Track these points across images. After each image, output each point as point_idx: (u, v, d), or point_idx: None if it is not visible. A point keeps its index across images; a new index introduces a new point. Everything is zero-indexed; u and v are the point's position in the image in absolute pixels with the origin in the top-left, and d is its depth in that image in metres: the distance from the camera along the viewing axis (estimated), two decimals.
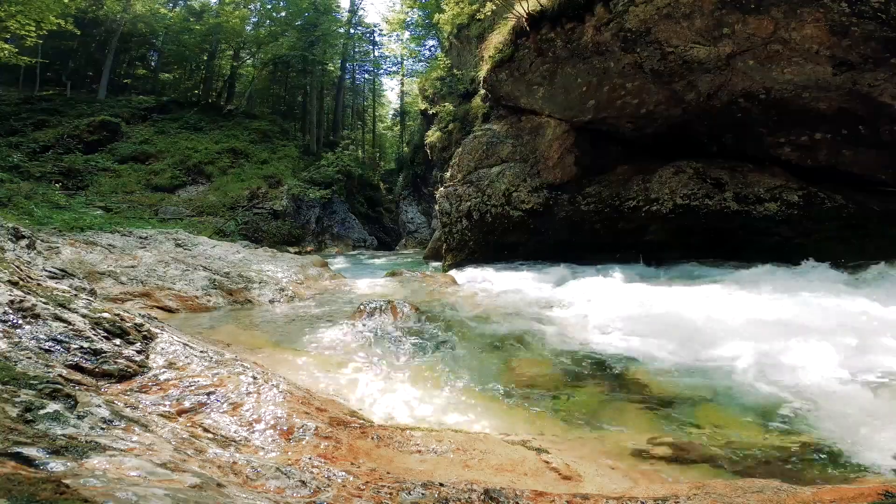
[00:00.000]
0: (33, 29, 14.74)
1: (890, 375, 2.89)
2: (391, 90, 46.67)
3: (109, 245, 7.06)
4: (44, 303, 2.07)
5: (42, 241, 6.00)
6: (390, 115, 42.26)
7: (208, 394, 1.96)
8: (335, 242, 21.48)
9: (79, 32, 19.10)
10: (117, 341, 2.11)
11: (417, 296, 6.39)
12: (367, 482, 1.46)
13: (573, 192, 8.96)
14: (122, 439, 1.32)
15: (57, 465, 1.03)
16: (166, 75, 29.88)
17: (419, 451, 1.90)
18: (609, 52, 7.35)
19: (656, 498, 1.55)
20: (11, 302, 1.94)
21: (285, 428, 1.84)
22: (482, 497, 1.41)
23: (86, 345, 1.95)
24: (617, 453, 2.28)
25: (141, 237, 8.18)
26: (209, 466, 1.31)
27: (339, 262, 14.18)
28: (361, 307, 4.80)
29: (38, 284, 2.46)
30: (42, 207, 12.35)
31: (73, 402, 1.41)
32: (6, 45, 14.55)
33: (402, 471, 1.67)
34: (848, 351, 3.19)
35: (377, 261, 15.81)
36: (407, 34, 30.33)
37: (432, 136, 17.59)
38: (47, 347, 1.81)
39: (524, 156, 9.72)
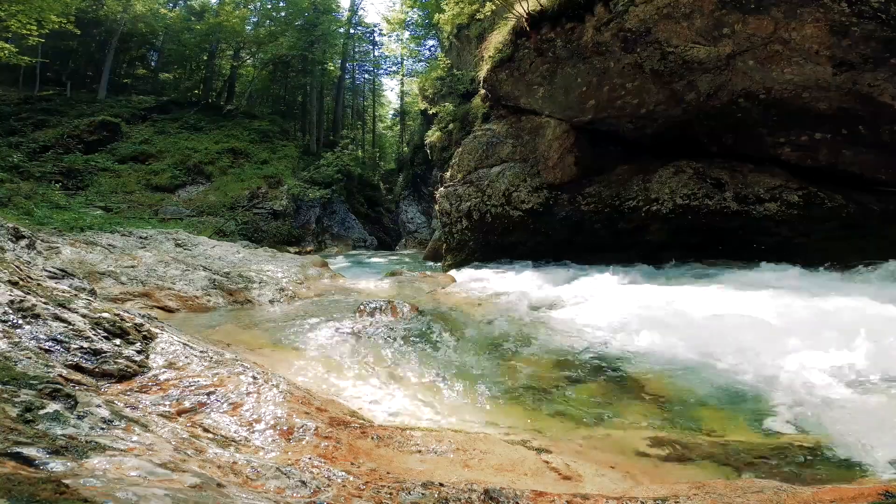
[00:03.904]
0: (35, 28, 14.73)
1: (891, 376, 2.89)
2: (391, 90, 46.67)
3: (109, 245, 7.06)
4: (44, 303, 2.07)
5: (42, 241, 6.00)
6: (390, 115, 42.25)
7: (208, 394, 1.96)
8: (335, 242, 21.49)
9: (79, 32, 19.10)
10: (117, 341, 2.11)
11: (417, 296, 6.39)
12: (367, 482, 1.46)
13: (573, 192, 8.96)
14: (122, 439, 1.32)
15: (57, 465, 1.03)
16: (166, 75, 29.87)
17: (419, 451, 1.90)
18: (609, 52, 7.35)
19: (656, 498, 1.55)
20: (11, 302, 1.94)
21: (285, 428, 1.84)
22: (482, 497, 1.41)
23: (86, 345, 1.95)
24: (617, 453, 2.28)
25: (141, 237, 8.18)
26: (209, 466, 1.31)
27: (339, 262, 14.18)
28: (361, 307, 4.81)
29: (38, 284, 2.46)
30: (42, 207, 12.34)
31: (73, 402, 1.41)
32: (6, 45, 14.54)
33: (403, 471, 1.67)
34: (848, 351, 3.19)
35: (377, 261, 15.80)
36: (407, 34, 30.31)
37: (432, 136, 17.60)
38: (47, 347, 1.81)
39: (524, 156, 9.71)
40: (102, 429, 1.34)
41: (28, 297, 2.04)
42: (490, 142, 10.23)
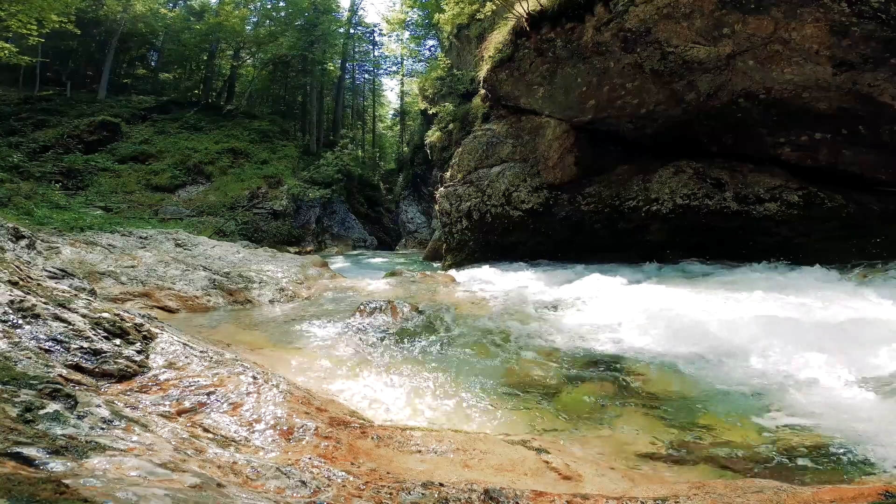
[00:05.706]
0: (35, 28, 14.74)
1: (891, 376, 2.89)
2: (391, 90, 46.70)
3: (109, 245, 7.06)
4: (44, 303, 2.07)
5: (42, 241, 6.00)
6: (390, 115, 42.27)
7: (208, 394, 1.96)
8: (335, 242, 21.50)
9: (79, 32, 19.11)
10: (117, 341, 2.11)
11: (417, 296, 6.38)
12: (367, 482, 1.46)
13: (573, 192, 8.96)
14: (122, 439, 1.32)
15: (57, 465, 1.03)
16: (166, 75, 29.88)
17: (419, 451, 1.89)
18: (609, 52, 7.35)
19: (656, 498, 1.55)
20: (11, 302, 1.94)
21: (285, 428, 1.84)
22: (482, 497, 1.41)
23: (86, 345, 1.95)
24: (617, 453, 2.28)
25: (141, 237, 8.19)
26: (209, 466, 1.31)
27: (339, 262, 14.18)
28: (361, 307, 4.80)
29: (38, 284, 2.45)
30: (42, 207, 12.34)
31: (73, 402, 1.41)
32: (6, 45, 14.54)
33: (403, 471, 1.67)
34: (848, 351, 3.19)
35: (377, 261, 15.81)
36: (407, 34, 30.34)
37: (432, 136, 17.60)
38: (47, 347, 1.81)
39: (524, 156, 9.72)
40: (102, 429, 1.34)
41: (28, 297, 2.04)
42: (490, 142, 10.23)
